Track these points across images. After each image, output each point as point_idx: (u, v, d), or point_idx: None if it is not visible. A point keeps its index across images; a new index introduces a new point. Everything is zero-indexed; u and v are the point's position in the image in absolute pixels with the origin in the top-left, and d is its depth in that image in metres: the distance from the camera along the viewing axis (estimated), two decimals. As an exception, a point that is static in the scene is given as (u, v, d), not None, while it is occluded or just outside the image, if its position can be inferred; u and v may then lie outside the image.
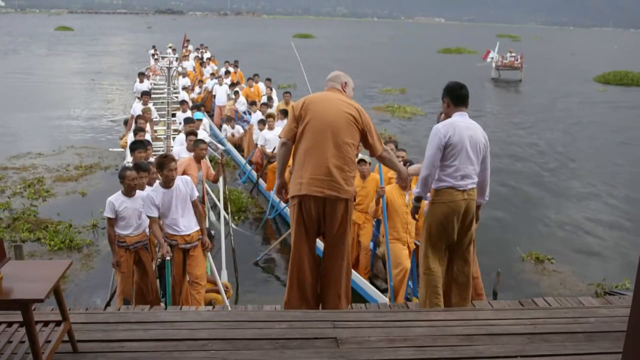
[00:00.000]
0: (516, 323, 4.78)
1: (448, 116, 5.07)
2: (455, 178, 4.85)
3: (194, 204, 6.45)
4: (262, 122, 12.79)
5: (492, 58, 38.91)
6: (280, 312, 4.90)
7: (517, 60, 38.00)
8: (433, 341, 4.37)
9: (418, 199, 5.12)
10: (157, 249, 7.25)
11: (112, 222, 6.43)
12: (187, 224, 6.39)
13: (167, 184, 6.27)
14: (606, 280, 8.71)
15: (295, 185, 4.86)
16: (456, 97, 5.04)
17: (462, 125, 4.90)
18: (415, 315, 4.90)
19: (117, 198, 6.47)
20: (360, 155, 8.04)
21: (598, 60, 52.26)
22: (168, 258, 6.28)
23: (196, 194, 6.51)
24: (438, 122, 5.28)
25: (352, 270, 7.94)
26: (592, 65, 44.87)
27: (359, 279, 7.84)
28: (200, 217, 6.55)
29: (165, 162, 6.22)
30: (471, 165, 4.89)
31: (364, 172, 8.05)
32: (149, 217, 6.32)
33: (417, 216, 5.33)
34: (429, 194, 5.12)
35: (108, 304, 6.72)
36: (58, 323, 3.90)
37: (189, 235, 6.41)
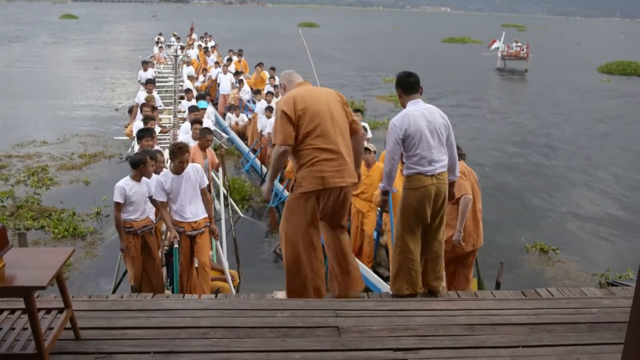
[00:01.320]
0: (518, 313, 4.78)
1: (403, 105, 5.16)
2: (422, 165, 4.93)
3: (202, 191, 6.51)
4: (269, 109, 12.75)
5: (498, 47, 38.70)
6: (282, 301, 4.91)
7: (522, 50, 37.79)
8: (435, 330, 4.38)
9: (385, 193, 5.35)
10: (163, 237, 7.29)
11: (120, 207, 6.48)
12: (194, 211, 6.44)
13: (178, 171, 6.33)
14: (609, 270, 8.71)
15: (314, 180, 4.84)
16: (406, 85, 5.16)
17: (417, 113, 4.99)
18: (417, 305, 4.90)
19: (126, 183, 6.54)
20: (365, 144, 8.03)
21: (604, 51, 51.98)
22: (176, 245, 6.33)
23: (206, 182, 6.56)
24: None
25: (356, 259, 7.97)
26: (598, 56, 44.61)
27: (363, 267, 7.84)
28: (208, 204, 6.62)
29: (179, 153, 6.28)
30: (435, 150, 4.95)
31: (368, 161, 8.04)
32: (158, 201, 6.41)
33: (386, 208, 5.41)
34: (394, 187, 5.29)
35: (114, 291, 6.79)
36: (60, 310, 3.92)
37: (196, 222, 6.46)
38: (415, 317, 4.62)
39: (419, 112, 5.01)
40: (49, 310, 3.92)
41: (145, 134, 8.05)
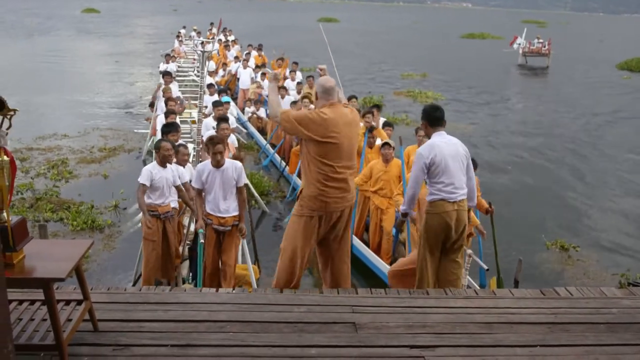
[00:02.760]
0: (537, 312, 4.75)
1: (428, 136, 5.59)
2: (445, 191, 5.34)
3: (239, 190, 6.55)
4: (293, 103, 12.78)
5: (519, 44, 38.24)
6: (299, 296, 4.92)
7: (544, 47, 37.34)
8: (452, 328, 4.36)
9: (404, 214, 5.79)
10: (185, 231, 7.38)
11: (144, 189, 6.62)
12: (226, 208, 6.48)
13: (216, 164, 6.42)
14: (630, 270, 8.59)
15: (318, 203, 5.23)
16: (432, 119, 5.52)
17: (442, 144, 5.39)
18: (435, 302, 4.89)
19: (153, 167, 6.72)
20: (388, 140, 8.02)
21: (626, 48, 51.25)
22: (202, 240, 6.41)
23: (243, 181, 6.58)
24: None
25: (374, 255, 7.98)
26: (620, 53, 43.97)
27: (381, 264, 7.84)
28: (242, 204, 6.64)
29: (210, 144, 6.40)
30: (457, 178, 5.37)
31: (387, 157, 8.02)
32: (194, 188, 6.57)
33: (403, 227, 5.94)
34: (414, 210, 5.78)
35: (135, 283, 6.86)
36: (79, 302, 3.95)
37: (224, 218, 6.49)
38: (432, 314, 4.60)
39: (444, 143, 5.42)
40: (67, 302, 3.96)
41: (170, 129, 8.14)
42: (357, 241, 8.61)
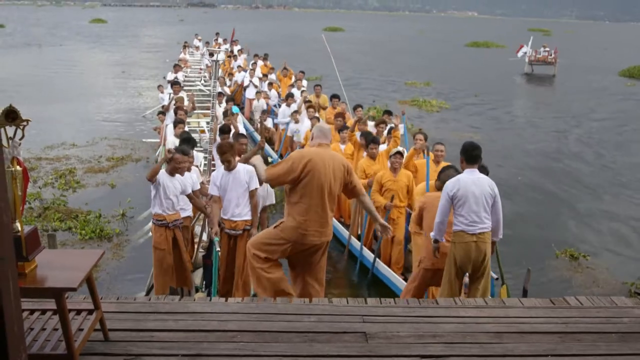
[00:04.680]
0: (547, 322, 4.73)
1: (462, 170, 5.95)
2: (465, 223, 5.76)
3: (251, 193, 6.61)
4: (295, 113, 12.88)
5: (525, 53, 38.21)
6: (309, 305, 4.91)
7: (550, 55, 37.31)
8: (462, 338, 4.35)
9: (435, 241, 6.05)
10: (196, 240, 7.38)
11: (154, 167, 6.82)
12: (238, 212, 6.56)
13: (226, 167, 6.55)
14: (640, 279, 8.57)
15: (297, 234, 5.44)
16: (470, 157, 5.87)
17: (468, 180, 5.79)
18: (445, 312, 4.87)
19: (162, 174, 6.79)
20: (399, 148, 8.00)
21: (630, 55, 51.17)
22: (218, 248, 6.46)
23: (255, 184, 6.62)
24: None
25: (382, 264, 7.98)
26: (624, 61, 43.89)
27: (390, 274, 7.84)
28: (254, 208, 6.69)
29: (218, 150, 6.58)
30: (477, 213, 5.74)
31: (394, 165, 8.02)
32: (212, 196, 6.66)
33: (437, 253, 6.11)
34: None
35: (148, 292, 6.90)
36: (90, 311, 3.96)
37: (234, 222, 6.55)
38: (443, 324, 4.59)
39: (471, 180, 5.79)
40: (79, 312, 3.97)
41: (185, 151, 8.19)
42: (366, 252, 8.62)
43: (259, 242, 5.65)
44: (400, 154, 7.97)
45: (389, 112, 11.30)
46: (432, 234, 6.06)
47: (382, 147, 9.20)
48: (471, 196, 5.73)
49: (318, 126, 5.96)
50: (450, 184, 5.84)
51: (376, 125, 9.97)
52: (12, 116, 3.37)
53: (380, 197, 7.95)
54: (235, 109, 12.80)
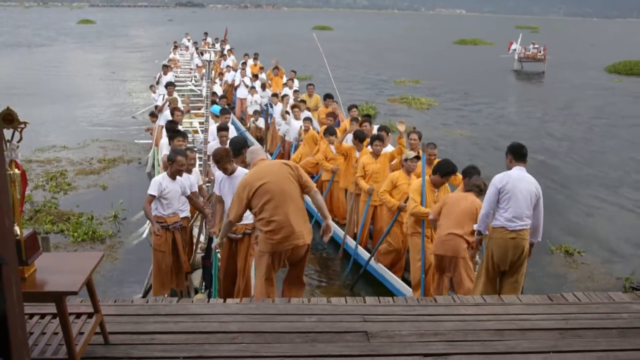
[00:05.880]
0: (547, 318, 4.74)
1: (509, 168, 6.06)
2: (506, 218, 5.80)
3: None
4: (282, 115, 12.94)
5: (515, 50, 38.35)
6: (309, 305, 4.89)
7: (540, 52, 37.46)
8: (464, 336, 4.35)
9: (479, 233, 6.14)
10: (194, 241, 7.45)
11: (151, 199, 6.65)
12: None
13: (223, 172, 6.50)
14: (635, 274, 8.59)
15: (268, 244, 5.56)
16: (518, 155, 6.02)
17: (517, 177, 5.89)
18: (445, 310, 4.87)
19: (163, 178, 6.75)
20: (410, 153, 7.87)
21: (617, 51, 51.47)
22: (218, 249, 6.38)
23: None
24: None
25: (382, 266, 7.93)
26: (611, 56, 44.16)
27: (387, 274, 7.81)
28: None
29: (214, 157, 6.51)
30: (521, 210, 5.78)
31: (410, 169, 7.83)
32: (217, 195, 6.63)
33: (475, 245, 6.28)
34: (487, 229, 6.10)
35: (145, 294, 6.86)
36: (90, 315, 3.93)
37: (235, 226, 6.47)
38: (444, 322, 4.58)
39: (520, 176, 5.90)
40: (78, 315, 3.94)
41: (178, 135, 8.12)
42: (361, 250, 8.60)
43: (257, 267, 5.84)
44: (417, 158, 7.78)
45: (367, 116, 11.30)
46: (475, 226, 6.13)
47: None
48: (518, 192, 5.81)
49: (248, 151, 6.16)
50: (499, 177, 5.95)
51: (360, 124, 9.96)
52: (9, 118, 3.33)
53: (391, 198, 7.86)
54: (215, 108, 12.68)
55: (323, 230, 5.65)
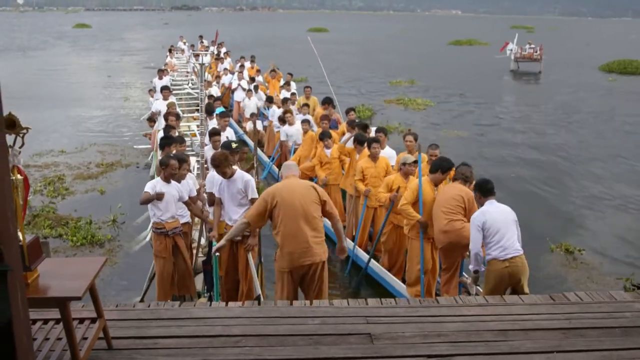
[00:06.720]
0: (549, 318, 4.75)
1: (481, 204, 6.30)
2: (497, 251, 5.96)
3: (251, 202, 6.53)
4: (281, 120, 12.95)
5: (511, 50, 38.35)
6: (312, 308, 4.89)
7: (536, 52, 37.48)
8: (467, 336, 4.34)
9: (475, 271, 6.31)
10: (193, 245, 7.46)
11: (147, 195, 6.63)
12: (236, 219, 6.50)
13: (222, 176, 6.54)
14: (635, 274, 8.58)
15: (286, 260, 5.70)
16: (485, 190, 6.26)
17: (492, 211, 6.11)
18: (447, 311, 4.87)
19: (157, 182, 6.78)
20: (408, 157, 7.90)
21: (611, 50, 51.59)
22: (217, 253, 6.32)
23: (251, 194, 6.61)
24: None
25: (378, 265, 7.94)
26: (605, 55, 44.23)
27: (389, 277, 7.80)
28: None
29: (212, 163, 6.56)
30: (508, 241, 5.97)
31: (409, 173, 7.83)
32: (215, 197, 6.69)
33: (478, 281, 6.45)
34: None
35: (142, 299, 6.84)
36: (93, 320, 3.91)
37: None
38: (447, 323, 4.58)
39: (494, 210, 6.12)
40: (81, 320, 3.92)
41: (173, 140, 8.13)
42: (359, 251, 8.59)
43: (277, 286, 5.95)
44: (416, 162, 7.77)
45: (382, 130, 11.22)
46: (470, 266, 6.33)
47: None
48: (500, 225, 6.01)
49: (284, 165, 6.38)
50: (477, 216, 6.14)
51: (347, 113, 10.11)
52: (11, 124, 3.32)
53: (384, 194, 7.86)
54: (219, 110, 12.71)
55: (338, 250, 6.14)
